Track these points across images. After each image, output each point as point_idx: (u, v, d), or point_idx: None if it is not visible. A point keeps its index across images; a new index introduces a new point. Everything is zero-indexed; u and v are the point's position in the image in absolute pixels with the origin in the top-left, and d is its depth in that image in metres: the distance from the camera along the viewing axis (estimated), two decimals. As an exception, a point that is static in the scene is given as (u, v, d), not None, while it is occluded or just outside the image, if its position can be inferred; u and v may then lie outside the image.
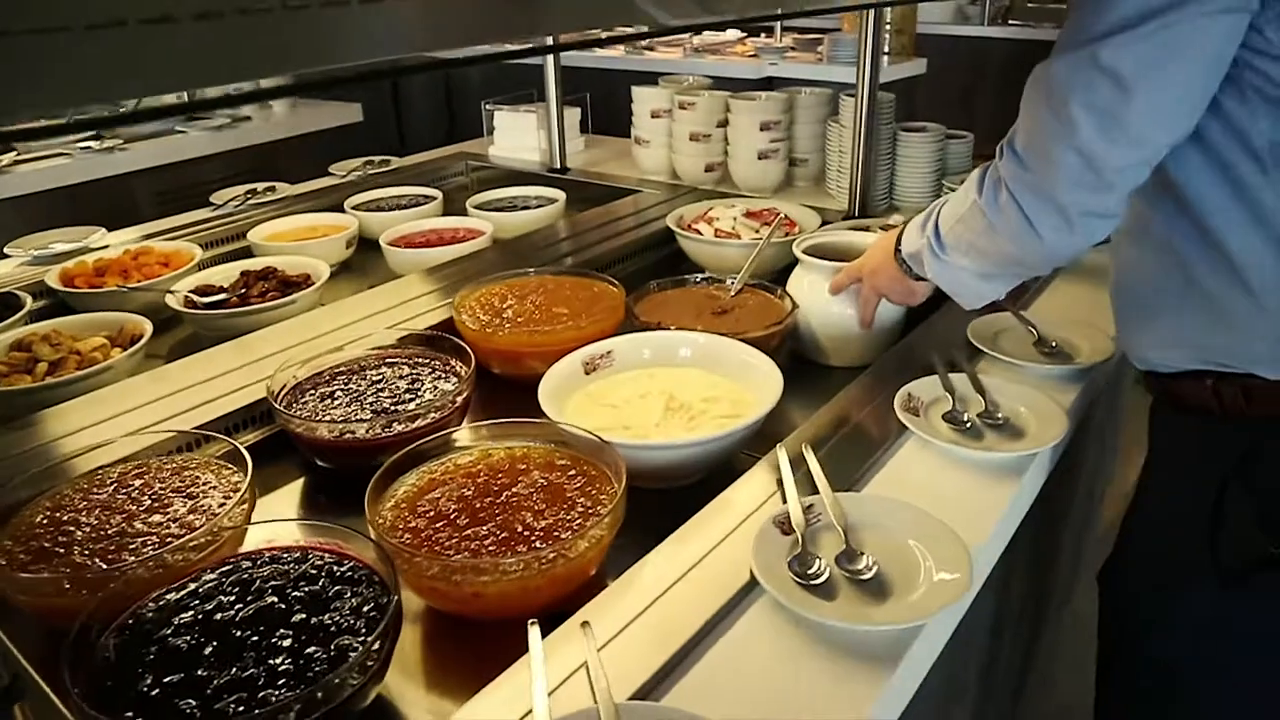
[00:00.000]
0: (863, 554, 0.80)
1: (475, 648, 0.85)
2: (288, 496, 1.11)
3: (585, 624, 0.73)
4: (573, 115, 2.38)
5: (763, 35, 4.37)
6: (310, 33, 0.33)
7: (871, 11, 1.61)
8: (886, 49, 3.87)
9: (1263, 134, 0.83)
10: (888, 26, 3.87)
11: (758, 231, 1.61)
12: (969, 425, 1.02)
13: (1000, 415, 1.04)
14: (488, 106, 2.36)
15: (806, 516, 0.86)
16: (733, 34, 4.56)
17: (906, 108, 3.84)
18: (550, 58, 2.08)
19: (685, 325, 1.28)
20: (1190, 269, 0.92)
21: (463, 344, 1.20)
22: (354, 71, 0.36)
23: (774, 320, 1.29)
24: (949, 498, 0.92)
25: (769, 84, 3.74)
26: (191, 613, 0.77)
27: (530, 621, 0.73)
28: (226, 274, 1.55)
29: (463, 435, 1.00)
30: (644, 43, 4.30)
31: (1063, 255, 0.98)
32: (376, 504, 0.89)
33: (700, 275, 1.45)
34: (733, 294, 1.41)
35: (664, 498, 1.01)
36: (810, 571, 0.78)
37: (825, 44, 3.76)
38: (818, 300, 1.33)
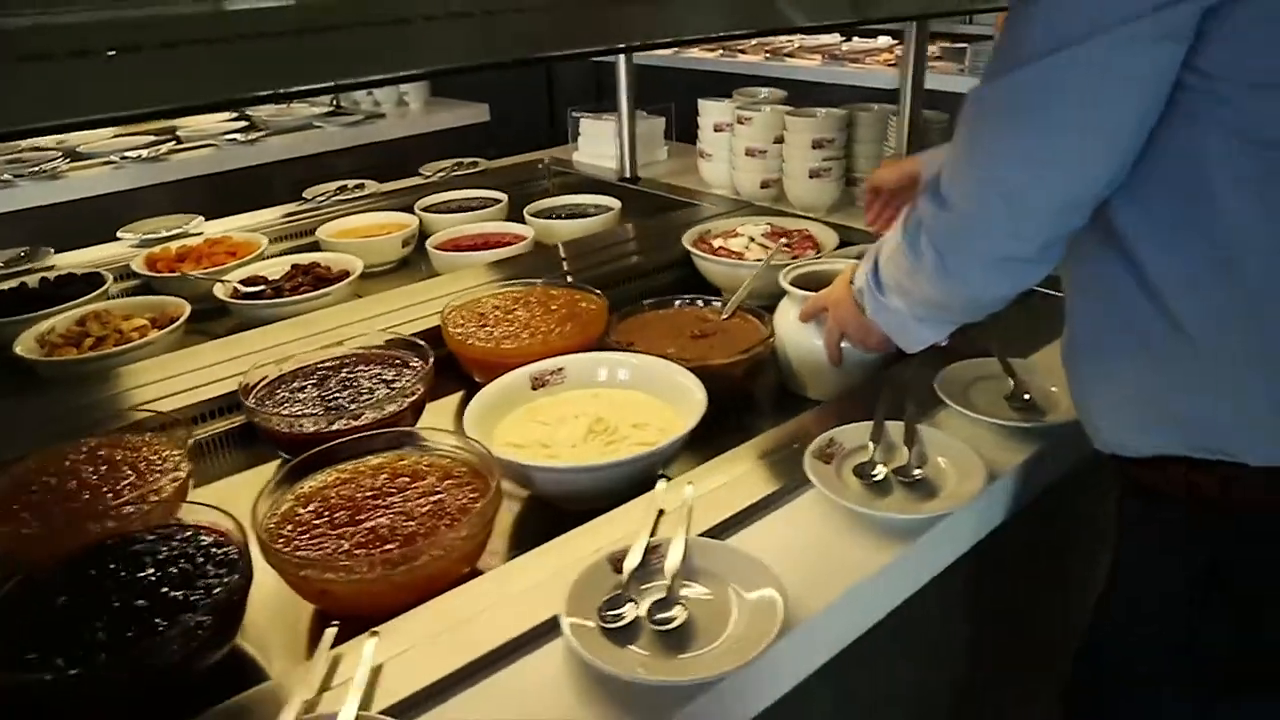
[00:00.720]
0: (678, 604, 0.78)
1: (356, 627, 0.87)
2: (255, 479, 1.21)
3: (375, 633, 0.76)
4: (655, 124, 2.39)
5: (912, 41, 4.16)
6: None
7: (914, 24, 1.53)
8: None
9: (1221, 163, 0.72)
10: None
11: (767, 252, 1.57)
12: (878, 480, 0.97)
13: (917, 473, 0.97)
14: (574, 113, 2.42)
15: (651, 557, 0.85)
16: (884, 40, 4.38)
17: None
18: (622, 64, 2.10)
19: (660, 347, 1.28)
20: (1135, 318, 0.80)
21: (426, 347, 1.26)
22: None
23: (742, 348, 1.27)
24: (821, 557, 0.88)
25: (904, 93, 3.58)
26: (80, 576, 0.87)
27: (331, 623, 0.78)
28: (279, 267, 1.70)
29: (379, 440, 1.06)
30: (786, 50, 4.23)
31: (987, 302, 0.91)
32: (273, 494, 0.97)
33: (692, 296, 1.43)
34: (723, 317, 1.39)
35: (583, 519, 1.01)
36: (613, 614, 0.77)
37: (968, 53, 3.55)
38: (795, 330, 1.29)
